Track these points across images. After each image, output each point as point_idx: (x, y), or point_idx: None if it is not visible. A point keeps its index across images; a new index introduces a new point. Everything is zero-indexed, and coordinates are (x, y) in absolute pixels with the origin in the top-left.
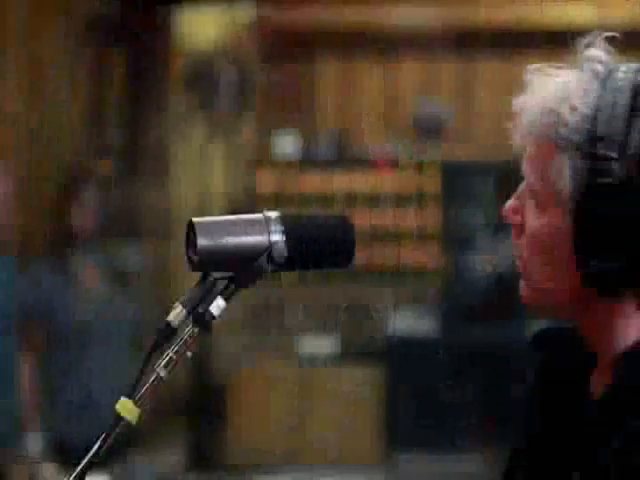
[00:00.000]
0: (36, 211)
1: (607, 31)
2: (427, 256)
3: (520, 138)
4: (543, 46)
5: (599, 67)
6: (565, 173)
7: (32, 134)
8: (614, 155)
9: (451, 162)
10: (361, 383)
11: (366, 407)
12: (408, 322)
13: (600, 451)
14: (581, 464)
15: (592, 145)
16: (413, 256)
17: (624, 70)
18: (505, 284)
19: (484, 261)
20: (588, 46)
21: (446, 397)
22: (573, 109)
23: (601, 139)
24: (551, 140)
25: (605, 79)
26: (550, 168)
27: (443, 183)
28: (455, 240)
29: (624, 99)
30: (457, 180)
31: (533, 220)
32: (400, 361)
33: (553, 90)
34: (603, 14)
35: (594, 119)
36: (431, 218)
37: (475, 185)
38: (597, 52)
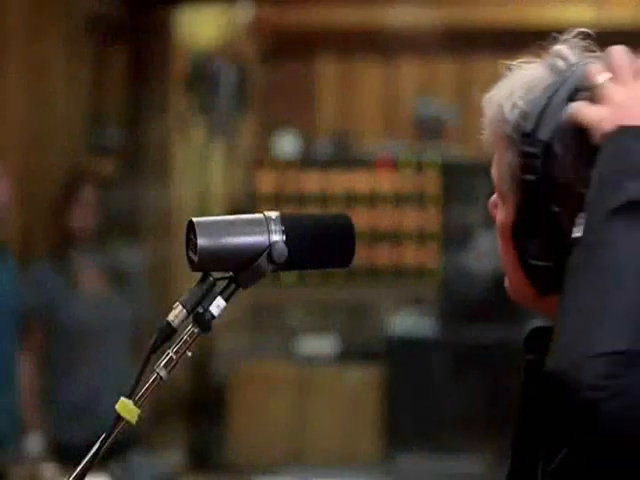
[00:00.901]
0: (36, 211)
1: (607, 31)
2: (427, 256)
3: (485, 134)
4: (543, 46)
5: (559, 63)
6: (505, 169)
7: (32, 134)
8: (537, 152)
9: (451, 162)
10: (361, 383)
11: (366, 407)
12: (408, 322)
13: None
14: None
15: (522, 142)
16: (413, 256)
17: (583, 66)
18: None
19: (484, 261)
20: (562, 42)
21: (446, 397)
22: (514, 106)
23: (528, 135)
24: (499, 136)
25: (563, 75)
26: (500, 164)
27: (443, 183)
28: (455, 240)
29: (560, 97)
30: (457, 180)
31: (497, 215)
32: (400, 361)
33: (509, 85)
34: (603, 14)
35: (527, 115)
36: (431, 218)
37: (475, 185)
38: (560, 47)
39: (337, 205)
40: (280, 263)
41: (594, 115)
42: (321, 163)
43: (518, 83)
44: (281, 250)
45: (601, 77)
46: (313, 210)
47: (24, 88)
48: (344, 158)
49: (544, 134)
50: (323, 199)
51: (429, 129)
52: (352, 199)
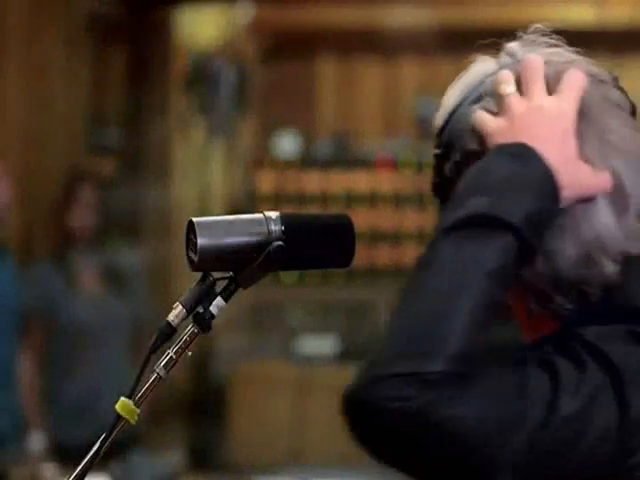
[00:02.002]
0: (36, 211)
1: (607, 31)
2: None
3: None
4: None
5: (506, 59)
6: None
7: (32, 134)
8: (439, 152)
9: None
10: None
11: None
12: None
13: None
14: None
15: (434, 142)
16: (413, 256)
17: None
18: None
19: None
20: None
21: None
22: (442, 104)
23: (438, 135)
24: None
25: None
26: None
27: None
28: None
29: (470, 99)
30: None
31: None
32: None
33: (458, 82)
34: (603, 14)
35: (442, 114)
36: (431, 218)
37: None
38: (512, 44)
39: (337, 205)
40: (280, 263)
41: (491, 126)
42: (321, 163)
43: (462, 80)
44: (281, 250)
45: (508, 86)
46: (313, 210)
47: (24, 88)
48: (344, 158)
49: (446, 136)
50: (323, 199)
51: (429, 129)
52: (352, 199)
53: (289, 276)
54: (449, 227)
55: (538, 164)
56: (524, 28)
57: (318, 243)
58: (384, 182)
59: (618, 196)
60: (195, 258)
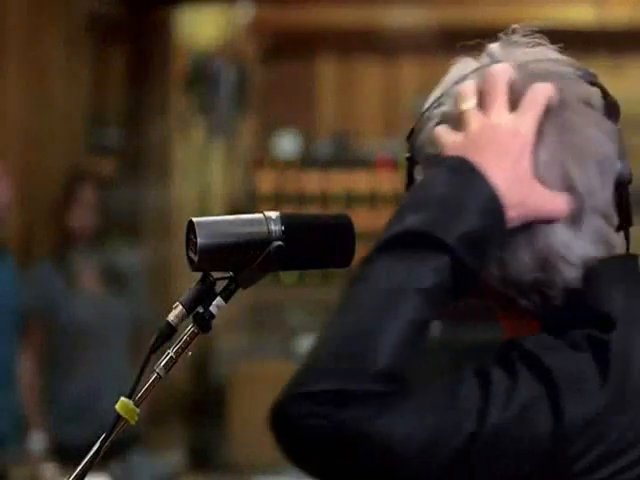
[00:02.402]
0: (36, 211)
1: (607, 31)
2: None
3: None
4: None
5: (486, 60)
6: None
7: (32, 134)
8: (408, 156)
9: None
10: None
11: None
12: None
13: None
14: None
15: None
16: None
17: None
18: None
19: None
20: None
21: None
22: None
23: (406, 138)
24: None
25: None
26: None
27: None
28: None
29: (441, 101)
30: None
31: None
32: None
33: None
34: (603, 14)
35: (416, 117)
36: None
37: None
38: (493, 45)
39: (337, 205)
40: (280, 263)
41: (446, 139)
42: (321, 163)
43: (440, 82)
44: (281, 250)
45: (466, 101)
46: (313, 210)
47: (24, 88)
48: (344, 158)
49: (413, 139)
50: (323, 199)
51: None
52: (352, 199)
53: (289, 276)
54: (383, 243)
55: (479, 181)
56: (507, 28)
57: (318, 243)
58: (384, 182)
59: (572, 202)
60: (195, 258)
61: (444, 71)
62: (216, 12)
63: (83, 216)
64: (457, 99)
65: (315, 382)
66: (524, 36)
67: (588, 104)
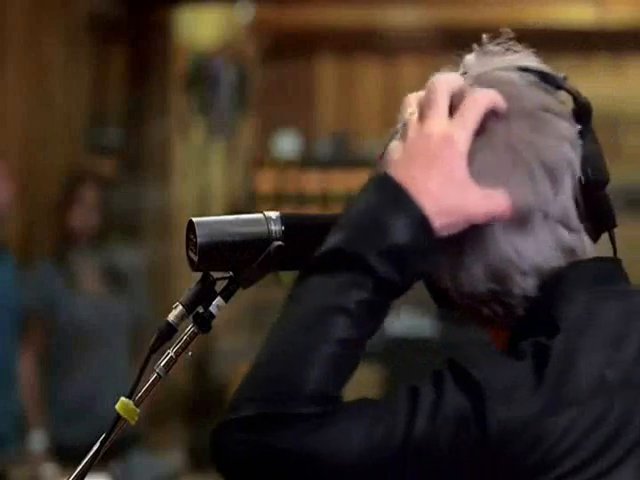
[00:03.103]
0: (36, 211)
1: (607, 31)
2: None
3: None
4: (543, 46)
5: (460, 71)
6: None
7: (32, 134)
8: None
9: None
10: (360, 383)
11: None
12: (408, 322)
13: None
14: None
15: None
16: None
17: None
18: None
19: None
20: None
21: None
22: None
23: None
24: None
25: None
26: None
27: None
28: None
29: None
30: None
31: None
32: (400, 361)
33: None
34: (603, 14)
35: None
36: None
37: None
38: (469, 56)
39: (337, 205)
40: (280, 263)
41: (392, 151)
42: (321, 163)
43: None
44: (281, 250)
45: (411, 110)
46: (313, 210)
47: (24, 88)
48: (344, 158)
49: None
50: (323, 199)
51: None
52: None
53: (289, 276)
54: (312, 263)
55: (401, 197)
56: (523, 28)
57: (318, 243)
58: None
59: (516, 212)
60: (195, 258)
61: (444, 71)
62: (216, 12)
63: (84, 216)
64: (403, 111)
65: (241, 408)
66: (499, 44)
67: (545, 110)
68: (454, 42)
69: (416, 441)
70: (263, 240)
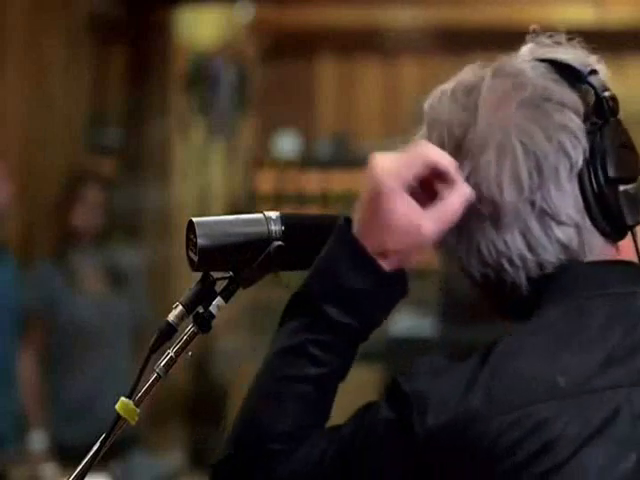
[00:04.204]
0: (36, 211)
1: (607, 31)
2: (427, 256)
3: None
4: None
5: (486, 72)
6: None
7: (32, 134)
8: None
9: None
10: (361, 383)
11: None
12: (408, 322)
13: None
14: None
15: None
16: None
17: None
18: None
19: None
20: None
21: None
22: None
23: None
24: None
25: None
26: None
27: None
28: None
29: None
30: None
31: None
32: (400, 361)
33: None
34: (603, 14)
35: None
36: None
37: None
38: (524, 46)
39: (337, 205)
40: (280, 263)
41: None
42: (321, 163)
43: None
44: (281, 250)
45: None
46: (313, 210)
47: (24, 88)
48: (344, 158)
49: None
50: (323, 199)
51: None
52: (352, 199)
53: (289, 276)
54: (285, 307)
55: (348, 240)
56: (523, 28)
57: (318, 243)
58: None
59: (493, 210)
60: (195, 258)
61: (444, 71)
62: (216, 12)
63: (87, 215)
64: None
65: (225, 449)
66: (550, 36)
67: (547, 100)
68: (454, 42)
69: (349, 454)
70: (263, 240)
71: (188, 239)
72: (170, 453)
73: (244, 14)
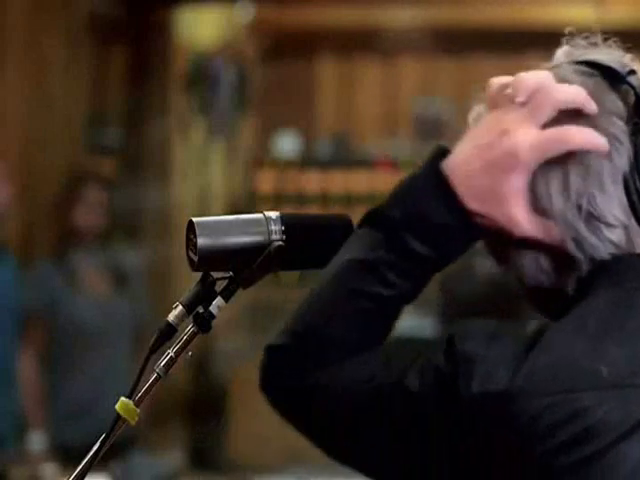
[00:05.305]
0: (36, 211)
1: (607, 31)
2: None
3: None
4: (543, 46)
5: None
6: None
7: (32, 134)
8: None
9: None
10: None
11: None
12: (408, 322)
13: None
14: None
15: None
16: None
17: None
18: (505, 284)
19: (484, 260)
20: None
21: None
22: None
23: None
24: None
25: None
26: None
27: None
28: None
29: None
30: None
31: None
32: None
33: None
34: (603, 14)
35: None
36: None
37: None
38: (559, 49)
39: (337, 205)
40: (280, 263)
41: (474, 119)
42: (321, 163)
43: None
44: (281, 250)
45: (509, 90)
46: (313, 210)
47: (24, 88)
48: (344, 158)
49: None
50: (323, 199)
51: (429, 129)
52: (352, 199)
53: (289, 276)
54: (359, 221)
55: (441, 177)
56: (523, 28)
57: (318, 243)
58: (384, 182)
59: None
60: (195, 258)
61: (444, 71)
62: (216, 12)
63: (89, 215)
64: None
65: (279, 336)
66: (586, 38)
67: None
68: (454, 42)
69: (396, 390)
70: (263, 240)
71: (188, 239)
72: (170, 453)
73: (244, 14)
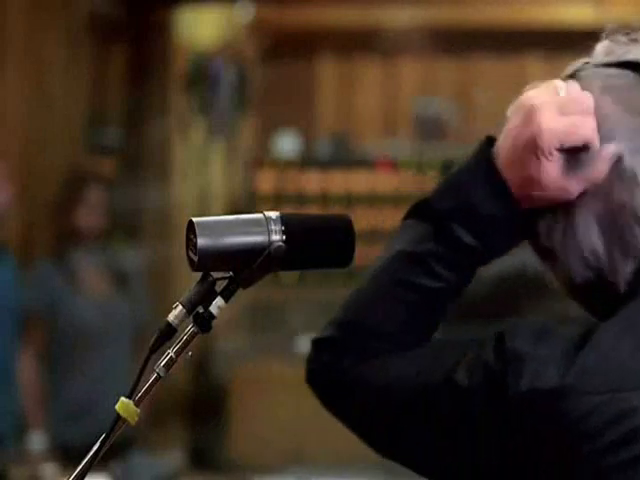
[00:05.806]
0: (36, 211)
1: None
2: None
3: None
4: (543, 46)
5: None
6: None
7: (32, 134)
8: None
9: (451, 162)
10: None
11: None
12: None
13: None
14: None
15: None
16: None
17: None
18: (505, 283)
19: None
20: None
21: None
22: None
23: None
24: None
25: None
26: None
27: None
28: None
29: None
30: None
31: None
32: None
33: None
34: (603, 14)
35: None
36: None
37: None
38: (598, 45)
39: (337, 205)
40: (280, 263)
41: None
42: (321, 163)
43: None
44: (281, 250)
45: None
46: (313, 210)
47: (24, 88)
48: (344, 158)
49: None
50: (323, 199)
51: (429, 129)
52: (352, 199)
53: (289, 276)
54: (408, 211)
55: (489, 166)
56: (523, 28)
57: (318, 243)
58: (384, 182)
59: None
60: (195, 258)
61: (444, 71)
62: (216, 12)
63: (90, 216)
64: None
65: (326, 329)
66: (627, 34)
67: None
68: (454, 42)
69: (455, 386)
70: (263, 240)
71: (188, 239)
72: (170, 453)
73: (244, 14)
